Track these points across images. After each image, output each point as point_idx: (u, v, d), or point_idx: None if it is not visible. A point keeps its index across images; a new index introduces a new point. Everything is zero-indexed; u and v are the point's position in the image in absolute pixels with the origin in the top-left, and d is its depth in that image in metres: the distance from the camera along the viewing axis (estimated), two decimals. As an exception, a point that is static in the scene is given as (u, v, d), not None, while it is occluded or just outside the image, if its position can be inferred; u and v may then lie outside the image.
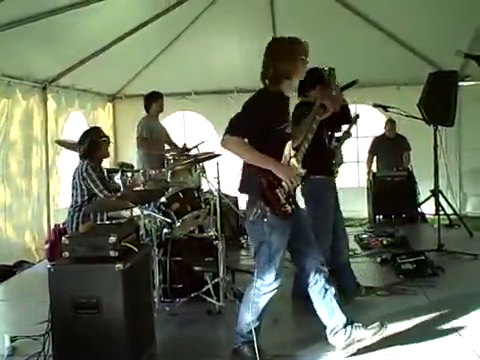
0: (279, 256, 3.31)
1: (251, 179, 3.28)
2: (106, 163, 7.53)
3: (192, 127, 9.33)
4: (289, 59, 3.27)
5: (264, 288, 3.33)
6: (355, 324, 3.44)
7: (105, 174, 5.00)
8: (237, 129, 3.18)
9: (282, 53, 3.29)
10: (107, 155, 5.13)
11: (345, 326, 3.42)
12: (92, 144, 4.90)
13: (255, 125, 3.19)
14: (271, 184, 3.22)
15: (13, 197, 6.35)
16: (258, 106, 3.27)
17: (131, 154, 7.47)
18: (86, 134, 5.04)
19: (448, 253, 5.87)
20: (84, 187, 4.80)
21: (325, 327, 3.48)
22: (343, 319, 3.43)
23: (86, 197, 4.81)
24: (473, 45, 7.04)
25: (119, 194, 4.38)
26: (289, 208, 3.30)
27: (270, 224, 3.24)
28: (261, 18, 7.58)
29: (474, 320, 3.96)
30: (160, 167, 5.69)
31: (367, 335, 3.41)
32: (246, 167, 3.34)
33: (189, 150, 6.11)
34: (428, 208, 7.38)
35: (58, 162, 7.22)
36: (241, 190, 3.42)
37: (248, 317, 3.35)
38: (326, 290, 3.44)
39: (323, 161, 4.38)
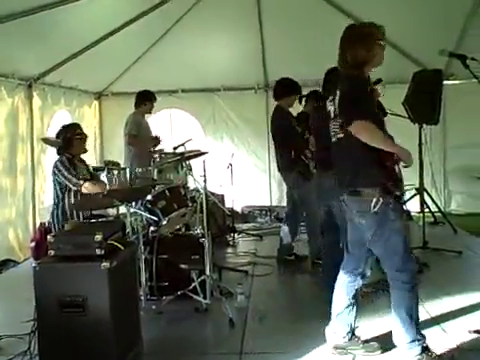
0: (408, 240, 3.19)
1: (368, 170, 3.13)
2: (92, 160, 7.54)
3: (179, 125, 9.32)
4: (362, 46, 3.18)
5: (415, 278, 3.18)
6: (358, 338, 3.46)
7: (76, 166, 4.91)
8: (363, 113, 3.04)
9: (356, 40, 3.22)
10: (82, 151, 5.09)
11: (348, 332, 3.44)
12: (65, 140, 4.91)
13: (365, 108, 3.09)
14: (392, 168, 3.11)
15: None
16: (359, 89, 3.16)
17: (117, 152, 7.45)
18: (61, 130, 5.03)
19: (433, 250, 5.93)
20: (57, 183, 4.80)
21: (329, 320, 3.50)
22: (351, 325, 3.45)
23: (60, 194, 4.80)
24: (458, 44, 7.11)
25: (105, 192, 4.37)
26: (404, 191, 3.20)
27: (396, 209, 3.13)
28: (247, 16, 7.58)
29: (458, 316, 4.01)
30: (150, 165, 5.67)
31: (360, 351, 3.44)
32: (360, 160, 3.17)
33: (176, 148, 6.10)
34: (413, 206, 7.43)
35: (44, 160, 7.16)
36: (357, 185, 3.18)
37: (412, 318, 3.23)
38: (357, 295, 3.45)
39: None
